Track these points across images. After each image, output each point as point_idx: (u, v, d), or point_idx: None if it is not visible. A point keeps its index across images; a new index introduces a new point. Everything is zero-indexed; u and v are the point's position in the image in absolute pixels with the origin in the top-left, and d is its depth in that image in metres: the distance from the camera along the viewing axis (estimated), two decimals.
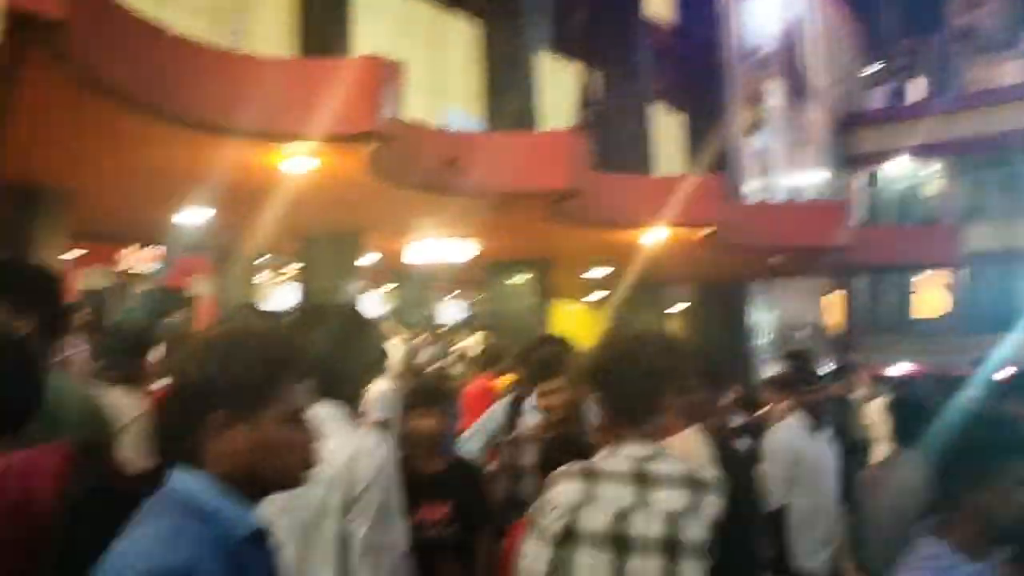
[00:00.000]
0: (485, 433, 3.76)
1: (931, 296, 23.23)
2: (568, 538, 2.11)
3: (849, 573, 4.18)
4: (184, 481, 1.34)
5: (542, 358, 3.58)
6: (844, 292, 22.17)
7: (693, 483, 2.12)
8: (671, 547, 2.07)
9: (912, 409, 3.79)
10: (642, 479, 2.13)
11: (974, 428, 1.87)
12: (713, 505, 2.10)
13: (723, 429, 3.66)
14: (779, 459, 4.19)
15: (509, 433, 3.72)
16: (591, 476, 2.16)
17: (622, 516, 2.09)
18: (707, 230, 10.27)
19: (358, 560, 2.12)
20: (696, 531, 2.08)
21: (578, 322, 16.32)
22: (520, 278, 12.44)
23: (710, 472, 2.19)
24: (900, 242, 14.54)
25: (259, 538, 1.37)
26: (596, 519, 2.10)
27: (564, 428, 3.42)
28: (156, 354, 4.15)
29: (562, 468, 2.24)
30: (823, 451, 4.34)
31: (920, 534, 1.83)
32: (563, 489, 2.16)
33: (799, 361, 4.81)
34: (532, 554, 2.15)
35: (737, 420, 5.66)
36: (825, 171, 22.00)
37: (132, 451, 3.52)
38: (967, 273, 20.44)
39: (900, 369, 13.00)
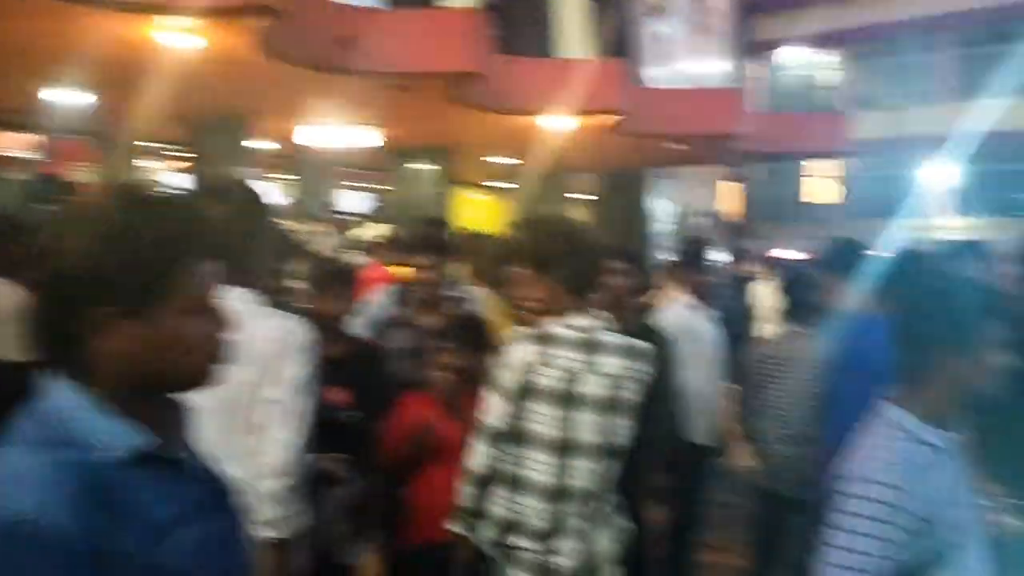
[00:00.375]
0: (372, 316, 3.77)
1: (823, 183, 24.03)
2: (525, 394, 2.37)
3: (737, 443, 4.42)
4: (55, 395, 1.11)
5: (419, 237, 3.71)
6: (741, 180, 22.71)
7: (632, 352, 2.43)
8: (611, 405, 2.38)
9: (804, 289, 3.97)
10: (590, 346, 2.39)
11: (944, 293, 1.76)
12: (646, 372, 2.44)
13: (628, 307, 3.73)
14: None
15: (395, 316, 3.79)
16: (545, 340, 2.39)
17: (572, 376, 2.35)
18: (608, 115, 10.23)
19: (277, 428, 2.16)
20: (630, 393, 2.41)
21: (482, 210, 16.27)
22: (422, 166, 12.22)
23: (645, 344, 2.49)
24: (792, 130, 14.76)
25: (150, 455, 1.11)
26: (550, 378, 2.35)
27: (433, 306, 3.59)
28: (34, 242, 3.92)
29: (519, 332, 2.50)
30: (709, 330, 4.50)
31: (883, 401, 1.76)
32: (521, 351, 2.39)
33: (692, 246, 4.97)
34: (494, 408, 2.40)
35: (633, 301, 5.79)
36: (727, 59, 22.10)
37: (7, 346, 3.36)
38: (857, 161, 21.12)
39: (792, 253, 13.51)
